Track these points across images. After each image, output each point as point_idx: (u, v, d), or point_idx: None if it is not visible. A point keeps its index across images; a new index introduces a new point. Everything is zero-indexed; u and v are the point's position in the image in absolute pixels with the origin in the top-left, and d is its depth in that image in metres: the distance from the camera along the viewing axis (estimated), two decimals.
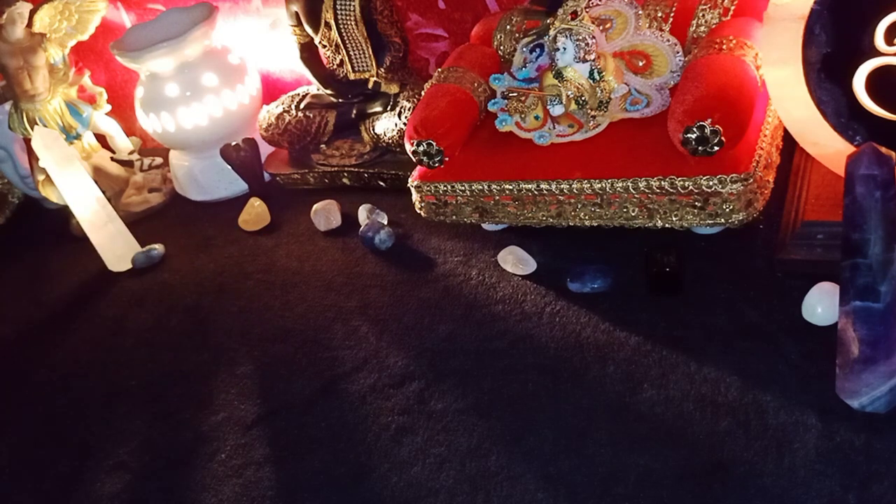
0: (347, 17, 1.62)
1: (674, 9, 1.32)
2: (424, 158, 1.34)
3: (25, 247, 2.00)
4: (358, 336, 1.33)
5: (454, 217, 1.39)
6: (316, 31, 1.68)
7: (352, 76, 1.70)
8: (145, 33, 1.88)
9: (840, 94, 1.06)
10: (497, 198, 1.31)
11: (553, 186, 1.24)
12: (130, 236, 1.76)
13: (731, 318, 1.11)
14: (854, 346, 0.89)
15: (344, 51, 1.67)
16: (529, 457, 1.02)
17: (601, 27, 1.33)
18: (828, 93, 1.07)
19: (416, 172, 1.40)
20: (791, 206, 1.17)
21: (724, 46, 1.18)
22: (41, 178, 1.88)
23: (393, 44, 1.64)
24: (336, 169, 1.72)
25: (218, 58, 1.84)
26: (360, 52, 1.66)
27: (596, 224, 1.25)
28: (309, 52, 1.75)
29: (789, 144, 1.21)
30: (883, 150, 0.84)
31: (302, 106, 1.75)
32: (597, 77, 1.27)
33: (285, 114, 1.76)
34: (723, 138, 1.08)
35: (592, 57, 1.27)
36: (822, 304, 1.05)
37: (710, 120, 1.08)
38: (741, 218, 1.13)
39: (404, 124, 1.59)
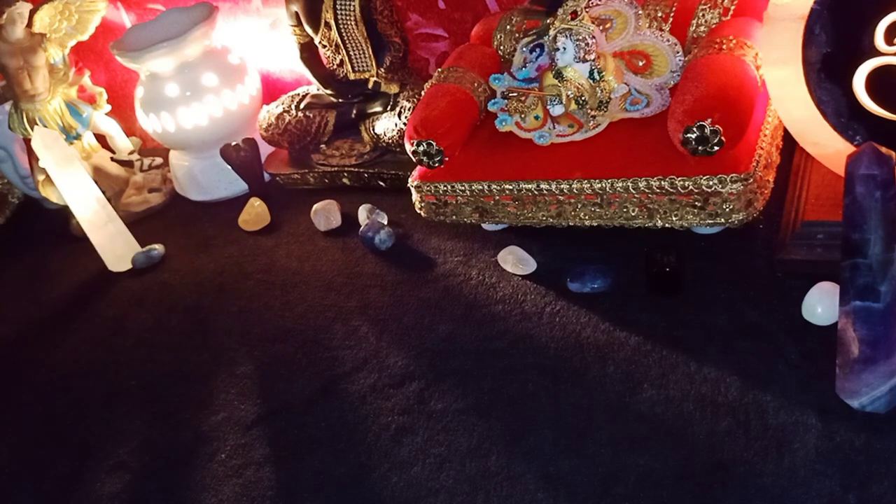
0: (347, 17, 1.62)
1: (674, 9, 1.32)
2: (424, 158, 1.34)
3: (25, 247, 2.00)
4: (358, 336, 1.33)
5: (454, 217, 1.39)
6: (316, 31, 1.68)
7: (352, 76, 1.70)
8: (145, 33, 1.88)
9: (840, 94, 1.06)
10: (497, 198, 1.31)
11: (553, 186, 1.24)
12: (130, 236, 1.76)
13: (731, 318, 1.11)
14: (854, 346, 0.89)
15: (344, 51, 1.67)
16: (529, 457, 1.02)
17: (601, 27, 1.33)
18: (828, 93, 1.07)
19: (416, 172, 1.40)
20: (791, 206, 1.17)
21: (724, 46, 1.18)
22: (41, 178, 1.88)
23: (393, 44, 1.64)
24: (336, 169, 1.72)
25: (218, 58, 1.84)
26: (360, 52, 1.66)
27: (596, 224, 1.25)
28: (309, 52, 1.75)
29: (789, 144, 1.21)
30: (883, 150, 0.84)
31: (302, 106, 1.75)
32: (597, 77, 1.27)
33: (285, 114, 1.76)
34: (723, 138, 1.08)
35: (592, 57, 1.27)
36: (822, 304, 1.05)
37: (710, 120, 1.08)
38: (741, 218, 1.13)
39: (404, 124, 1.59)
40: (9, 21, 1.78)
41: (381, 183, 1.68)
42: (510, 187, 1.28)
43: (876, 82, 1.02)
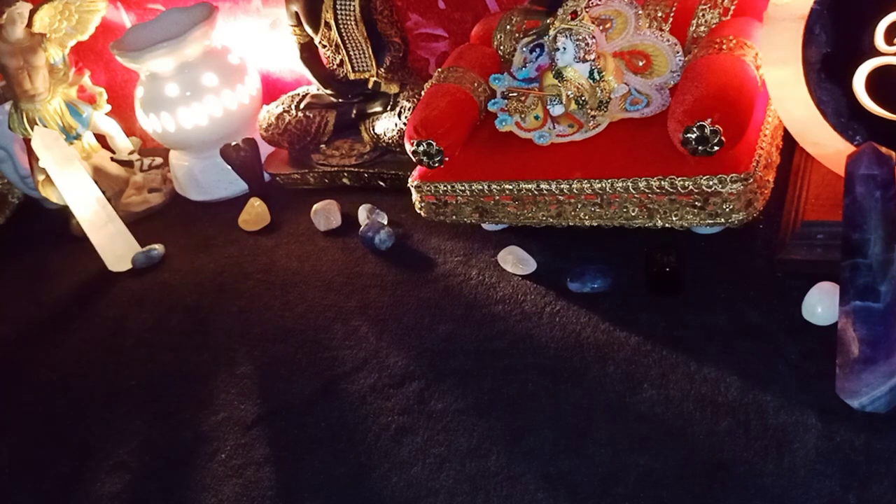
0: (347, 17, 1.62)
1: (674, 9, 1.32)
2: (424, 158, 1.34)
3: (25, 247, 2.00)
4: (358, 336, 1.33)
5: (454, 217, 1.39)
6: (316, 31, 1.68)
7: (352, 76, 1.70)
8: (145, 33, 1.88)
9: (840, 94, 1.06)
10: (497, 198, 1.31)
11: (553, 186, 1.24)
12: (130, 236, 1.76)
13: (731, 318, 1.11)
14: (854, 346, 0.89)
15: (344, 51, 1.67)
16: (529, 457, 1.02)
17: (601, 27, 1.33)
18: (828, 93, 1.07)
19: (416, 172, 1.40)
20: (791, 206, 1.17)
21: (724, 46, 1.18)
22: (41, 178, 1.88)
23: (393, 44, 1.64)
24: (336, 169, 1.72)
25: (218, 58, 1.84)
26: (360, 52, 1.66)
27: (596, 224, 1.25)
28: (309, 52, 1.75)
29: (789, 144, 1.21)
30: (883, 150, 0.84)
31: (302, 106, 1.75)
32: (597, 77, 1.27)
33: (285, 114, 1.76)
34: (723, 138, 1.08)
35: (592, 57, 1.27)
36: (822, 304, 1.05)
37: (710, 120, 1.08)
38: (741, 218, 1.13)
39: (404, 124, 1.59)
40: (9, 21, 1.78)
41: (381, 183, 1.68)
42: (510, 187, 1.28)
43: (876, 82, 1.02)
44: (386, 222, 1.56)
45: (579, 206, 1.25)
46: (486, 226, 1.44)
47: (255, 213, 1.74)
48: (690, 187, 1.13)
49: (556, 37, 1.28)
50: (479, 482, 1.01)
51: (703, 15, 1.29)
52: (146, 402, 1.36)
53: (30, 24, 1.84)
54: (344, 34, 1.64)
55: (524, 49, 1.42)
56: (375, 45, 1.65)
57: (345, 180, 1.73)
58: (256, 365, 1.35)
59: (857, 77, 1.02)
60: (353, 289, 1.44)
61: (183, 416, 1.30)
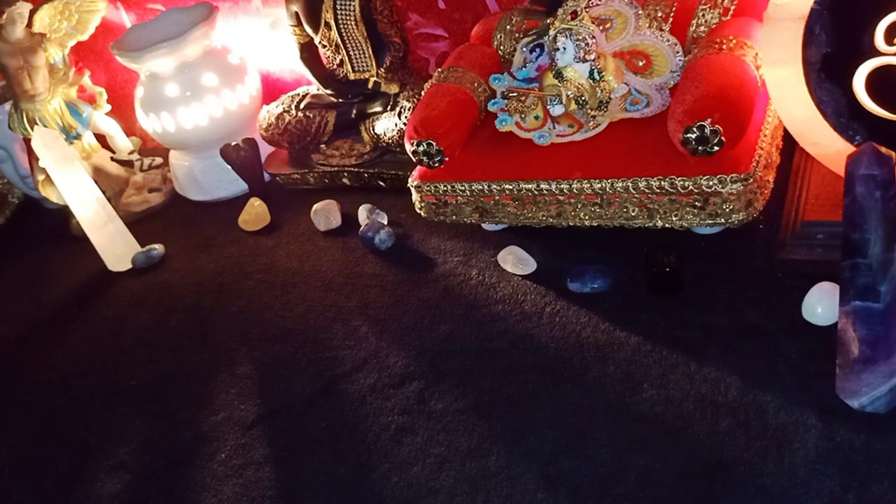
0: (347, 17, 1.62)
1: (674, 9, 1.32)
2: (424, 158, 1.34)
3: (25, 247, 2.00)
4: (358, 336, 1.33)
5: (454, 217, 1.39)
6: (316, 31, 1.68)
7: (352, 76, 1.70)
8: (145, 33, 1.88)
9: (840, 94, 1.06)
10: (497, 198, 1.31)
11: (553, 186, 1.24)
12: (130, 236, 1.76)
13: (731, 318, 1.11)
14: (854, 346, 0.89)
15: (344, 51, 1.67)
16: (529, 457, 1.02)
17: (601, 27, 1.33)
18: (828, 93, 1.07)
19: (416, 172, 1.40)
20: (791, 206, 1.17)
21: (724, 46, 1.18)
22: (41, 178, 1.88)
23: (393, 44, 1.64)
24: (336, 169, 1.72)
25: (218, 58, 1.84)
26: (360, 52, 1.66)
27: (596, 224, 1.25)
28: (309, 52, 1.75)
29: (789, 144, 1.21)
30: (883, 150, 0.84)
31: (302, 106, 1.75)
32: (597, 77, 1.27)
33: (285, 114, 1.76)
34: (723, 138, 1.08)
35: (592, 57, 1.27)
36: (822, 304, 1.05)
37: (710, 120, 1.08)
38: (741, 218, 1.13)
39: (404, 124, 1.59)
40: (9, 21, 1.78)
41: (381, 183, 1.68)
42: (510, 187, 1.28)
43: (876, 82, 1.02)
44: (386, 222, 1.56)
45: (579, 206, 1.25)
46: (486, 226, 1.44)
47: (255, 213, 1.74)
48: (690, 187, 1.13)
49: (556, 37, 1.27)
50: (479, 482, 1.01)
51: (703, 15, 1.29)
52: (146, 402, 1.36)
53: (30, 24, 1.84)
54: (344, 34, 1.64)
55: (524, 49, 1.42)
56: (375, 45, 1.64)
57: (345, 180, 1.73)
58: (256, 365, 1.35)
59: (857, 77, 1.02)
60: (353, 289, 1.44)
61: (183, 416, 1.30)
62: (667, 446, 0.97)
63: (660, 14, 1.33)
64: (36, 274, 1.87)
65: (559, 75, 1.29)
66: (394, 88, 1.67)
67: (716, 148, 1.09)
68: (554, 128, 1.32)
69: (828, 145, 1.09)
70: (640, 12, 1.34)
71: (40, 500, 1.25)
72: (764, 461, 0.92)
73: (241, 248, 1.69)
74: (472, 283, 1.35)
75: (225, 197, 1.89)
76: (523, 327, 1.22)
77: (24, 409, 1.45)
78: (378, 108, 1.68)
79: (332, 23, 1.64)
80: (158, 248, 1.75)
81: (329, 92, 1.73)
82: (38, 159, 1.75)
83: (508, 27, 1.48)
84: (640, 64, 1.31)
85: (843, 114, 1.06)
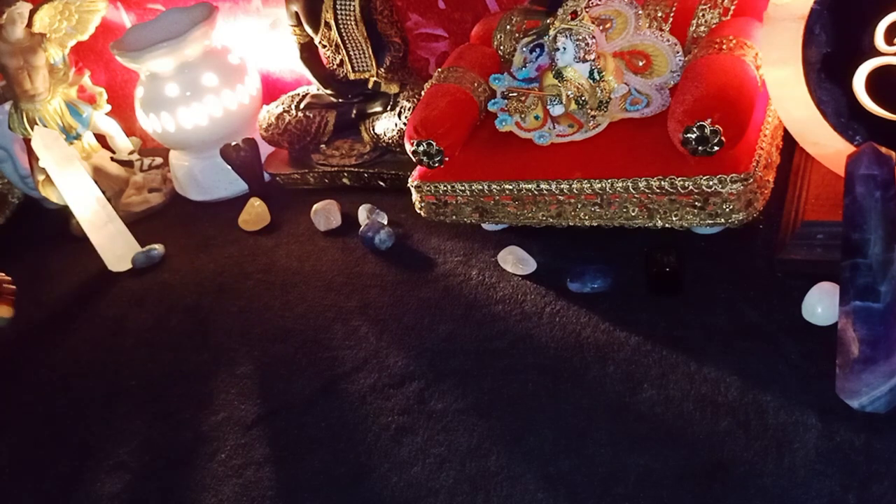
0: (347, 17, 1.62)
1: (674, 9, 1.32)
2: (424, 158, 1.34)
3: (25, 247, 2.00)
4: (358, 336, 1.33)
5: (454, 217, 1.39)
6: (316, 31, 1.68)
7: (352, 76, 1.70)
8: (145, 33, 1.88)
9: (840, 94, 1.06)
10: (497, 198, 1.31)
11: (553, 186, 1.24)
12: (130, 236, 1.76)
13: (731, 318, 1.11)
14: (854, 346, 0.89)
15: (344, 51, 1.67)
16: (529, 457, 1.02)
17: (601, 27, 1.33)
18: (828, 93, 1.07)
19: (416, 172, 1.40)
20: (791, 206, 1.17)
21: (724, 46, 1.18)
22: (41, 178, 1.88)
23: (393, 44, 1.64)
24: (336, 169, 1.72)
25: (218, 58, 1.84)
26: (360, 52, 1.66)
27: (596, 224, 1.25)
28: (309, 52, 1.75)
29: (789, 144, 1.21)
30: (883, 150, 0.84)
31: (302, 106, 1.75)
32: (597, 77, 1.27)
33: (285, 114, 1.76)
34: (723, 138, 1.08)
35: (592, 57, 1.27)
36: (822, 304, 1.05)
37: (710, 120, 1.08)
38: (741, 218, 1.13)
39: (404, 124, 1.59)
40: (9, 21, 1.78)
41: (381, 183, 1.68)
42: (510, 187, 1.28)
43: (876, 82, 1.02)
44: (386, 222, 1.56)
45: (579, 206, 1.25)
46: (486, 226, 1.44)
47: (255, 213, 1.74)
48: (690, 187, 1.13)
49: (556, 37, 1.28)
50: (479, 482, 1.01)
51: (703, 15, 1.29)
52: (146, 402, 1.36)
53: (30, 24, 1.84)
54: (344, 34, 1.64)
55: (524, 49, 1.42)
56: (375, 45, 1.65)
57: (345, 180, 1.73)
58: (256, 365, 1.35)
59: (857, 77, 1.02)
60: (353, 289, 1.44)
61: (183, 416, 1.30)
62: (667, 446, 0.97)
63: (660, 14, 1.33)
64: (36, 274, 1.87)
65: (559, 75, 1.29)
66: (394, 88, 1.67)
67: (716, 148, 1.09)
68: (554, 128, 1.32)
69: (828, 145, 1.09)
70: (640, 12, 1.34)
71: (40, 500, 1.25)
72: (764, 461, 0.92)
73: (241, 248, 1.69)
74: (472, 283, 1.35)
75: (225, 197, 1.89)
76: (523, 327, 1.22)
77: (24, 409, 1.45)
78: (378, 108, 1.68)
79: (332, 23, 1.64)
80: (158, 248, 1.75)
81: (329, 92, 1.73)
82: (38, 159, 1.75)
83: (508, 27, 1.48)
84: (640, 64, 1.31)
85: (843, 114, 1.06)
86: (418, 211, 1.42)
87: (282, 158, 1.84)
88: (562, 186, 1.23)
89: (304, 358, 1.32)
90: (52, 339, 1.61)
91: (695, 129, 1.09)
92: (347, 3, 1.60)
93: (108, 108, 2.03)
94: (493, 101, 1.41)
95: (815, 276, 1.07)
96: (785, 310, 1.09)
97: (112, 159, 2.06)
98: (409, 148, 1.34)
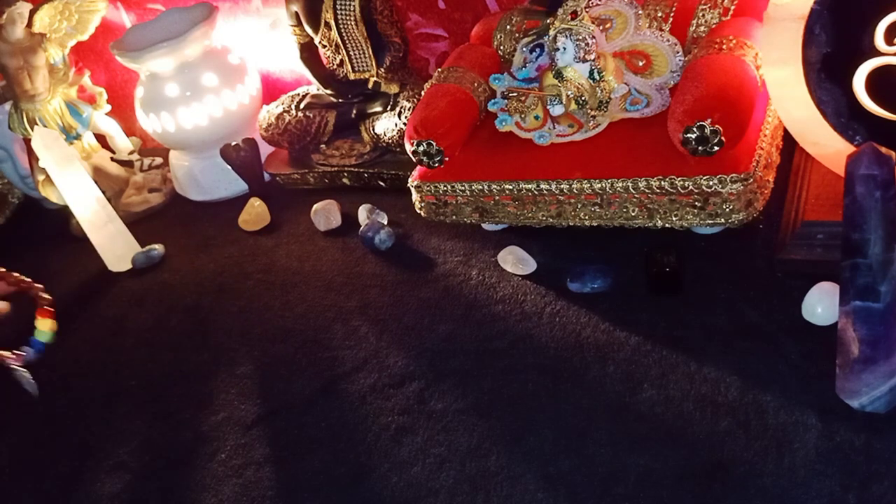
0: (347, 17, 1.62)
1: (674, 9, 1.32)
2: (424, 158, 1.34)
3: (25, 247, 2.00)
4: (358, 336, 1.33)
5: (454, 217, 1.39)
6: (316, 31, 1.68)
7: (352, 76, 1.70)
8: (145, 33, 1.88)
9: (840, 94, 1.06)
10: (497, 198, 1.31)
11: (553, 186, 1.24)
12: (130, 236, 1.76)
13: (731, 318, 1.11)
14: (854, 346, 0.89)
15: (344, 51, 1.67)
16: (529, 457, 1.02)
17: (601, 27, 1.33)
18: (828, 93, 1.07)
19: (416, 172, 1.40)
20: (791, 206, 1.17)
21: (724, 46, 1.18)
22: (41, 178, 1.88)
23: (393, 44, 1.64)
24: (336, 169, 1.72)
25: (218, 58, 1.84)
26: (360, 52, 1.66)
27: (596, 224, 1.25)
28: (309, 52, 1.75)
29: (789, 144, 1.21)
30: (883, 150, 0.84)
31: (302, 106, 1.75)
32: (597, 77, 1.27)
33: (285, 114, 1.76)
34: (723, 138, 1.08)
35: (592, 57, 1.27)
36: (822, 304, 1.05)
37: (710, 120, 1.08)
38: (741, 218, 1.13)
39: (404, 124, 1.59)
40: (9, 21, 1.78)
41: (381, 183, 1.68)
42: (510, 187, 1.28)
43: (876, 82, 1.02)
44: (386, 222, 1.56)
45: (579, 206, 1.25)
46: (486, 226, 1.44)
47: (255, 213, 1.74)
48: (690, 187, 1.13)
49: (556, 37, 1.27)
50: (479, 482, 1.01)
51: (703, 15, 1.29)
52: (146, 402, 1.36)
53: (30, 24, 1.84)
54: (344, 34, 1.64)
55: (524, 49, 1.42)
56: (375, 45, 1.65)
57: (345, 180, 1.73)
58: (256, 365, 1.35)
59: (857, 77, 1.02)
60: (353, 289, 1.44)
61: (183, 416, 1.30)
62: (667, 446, 0.97)
63: (660, 14, 1.33)
64: (36, 274, 1.86)
65: (559, 75, 1.29)
66: (394, 88, 1.67)
67: (716, 148, 1.09)
68: (554, 128, 1.32)
69: (828, 145, 1.09)
70: (640, 12, 1.34)
71: (40, 500, 1.25)
72: (764, 461, 0.92)
73: (241, 248, 1.69)
74: (472, 283, 1.35)
75: (225, 197, 1.89)
76: (523, 327, 1.22)
77: (24, 409, 1.45)
78: (378, 108, 1.68)
79: (332, 23, 1.64)
80: (158, 248, 1.75)
81: (329, 92, 1.73)
82: (38, 159, 1.75)
83: (508, 27, 1.48)
84: (640, 64, 1.31)
85: (843, 114, 1.06)
86: (418, 211, 1.42)
87: (282, 158, 1.84)
88: (562, 186, 1.23)
89: (304, 358, 1.32)
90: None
91: (695, 129, 1.09)
92: (347, 3, 1.60)
93: (108, 108, 2.03)
94: (493, 101, 1.41)
95: (815, 276, 1.07)
96: (785, 310, 1.09)
97: (112, 159, 2.06)
98: (409, 148, 1.34)
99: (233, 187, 1.87)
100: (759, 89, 1.17)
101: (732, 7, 1.28)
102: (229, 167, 1.82)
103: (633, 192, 1.18)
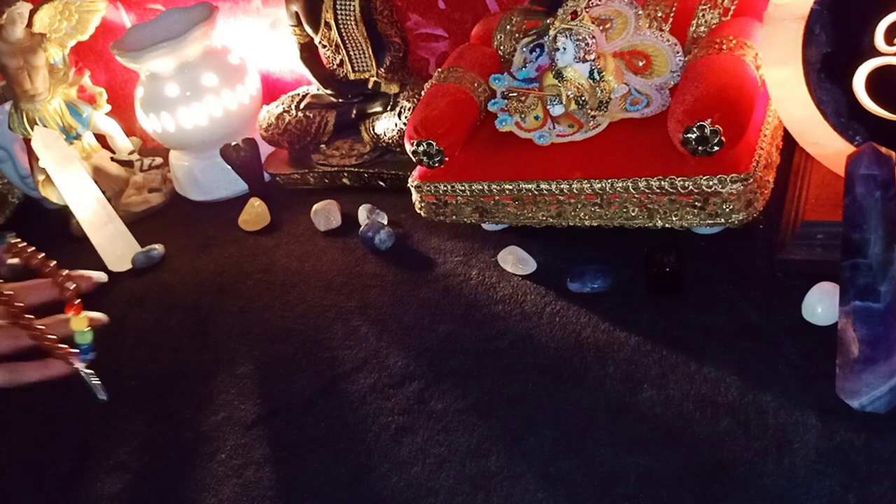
0: (347, 17, 1.62)
1: (674, 9, 1.32)
2: (424, 158, 1.34)
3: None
4: (358, 336, 1.33)
5: (454, 217, 1.39)
6: (316, 31, 1.68)
7: (352, 76, 1.70)
8: (145, 33, 1.88)
9: (840, 94, 1.06)
10: (497, 198, 1.31)
11: (553, 186, 1.24)
12: (130, 236, 1.76)
13: (731, 318, 1.11)
14: (854, 346, 0.89)
15: (344, 51, 1.67)
16: (529, 457, 1.02)
17: (601, 27, 1.33)
18: (828, 93, 1.07)
19: (416, 172, 1.40)
20: (791, 206, 1.17)
21: (724, 46, 1.18)
22: (41, 178, 1.88)
23: (393, 44, 1.64)
24: (336, 169, 1.72)
25: (218, 58, 1.84)
26: (360, 52, 1.66)
27: (596, 224, 1.25)
28: (309, 52, 1.75)
29: (789, 144, 1.21)
30: (883, 150, 0.84)
31: (302, 106, 1.75)
32: (597, 77, 1.27)
33: (285, 114, 1.76)
34: (723, 138, 1.08)
35: (592, 57, 1.27)
36: (822, 304, 1.04)
37: (710, 120, 1.08)
38: (741, 218, 1.13)
39: (404, 124, 1.59)
40: (9, 21, 1.78)
41: (381, 183, 1.68)
42: (510, 187, 1.28)
43: (876, 82, 1.02)
44: (386, 222, 1.56)
45: (579, 206, 1.25)
46: (486, 226, 1.44)
47: (255, 213, 1.74)
48: (690, 187, 1.13)
49: (556, 37, 1.28)
50: (479, 482, 1.01)
51: (703, 15, 1.29)
52: (146, 402, 1.36)
53: (30, 24, 1.83)
54: (344, 34, 1.64)
55: (524, 49, 1.42)
56: (375, 45, 1.65)
57: (345, 180, 1.73)
58: (256, 365, 1.35)
59: (857, 77, 1.02)
60: (353, 289, 1.44)
61: (183, 416, 1.30)
62: (667, 446, 0.97)
63: (660, 14, 1.33)
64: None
65: (559, 75, 1.29)
66: (394, 88, 1.67)
67: (716, 148, 1.09)
68: (554, 128, 1.32)
69: (828, 145, 1.09)
70: (640, 12, 1.34)
71: (40, 500, 1.25)
72: (764, 461, 0.92)
73: (241, 248, 1.69)
74: (472, 283, 1.35)
75: (225, 197, 1.89)
76: (523, 327, 1.22)
77: (24, 409, 1.45)
78: (378, 108, 1.68)
79: (332, 23, 1.64)
80: (158, 248, 1.75)
81: (329, 92, 1.73)
82: (38, 159, 1.75)
83: (508, 27, 1.48)
84: (640, 64, 1.31)
85: (843, 114, 1.06)
86: (418, 211, 1.42)
87: (282, 158, 1.84)
88: (562, 186, 1.23)
89: (304, 358, 1.32)
90: None
91: (695, 129, 1.09)
92: (347, 3, 1.60)
93: (108, 108, 2.03)
94: (493, 101, 1.41)
95: (815, 276, 1.07)
96: (785, 310, 1.09)
97: (112, 159, 2.06)
98: (409, 148, 1.34)
99: (233, 187, 1.87)
100: (759, 89, 1.17)
101: (732, 7, 1.28)
102: (229, 167, 1.82)
103: (633, 192, 1.18)
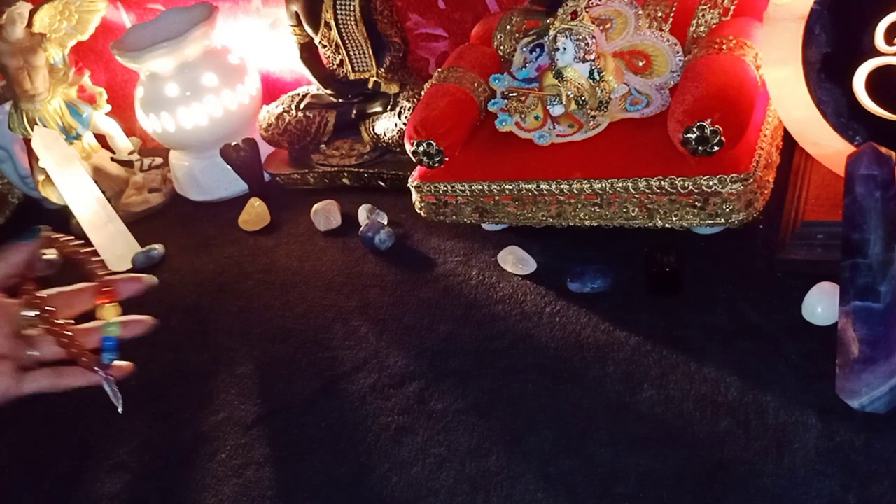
0: (347, 17, 1.62)
1: (674, 9, 1.32)
2: (424, 158, 1.34)
3: None
4: (358, 336, 1.33)
5: (454, 217, 1.39)
6: (316, 31, 1.68)
7: (352, 76, 1.70)
8: (145, 33, 1.88)
9: (840, 94, 1.06)
10: (497, 198, 1.31)
11: (553, 186, 1.24)
12: (130, 236, 1.76)
13: (731, 318, 1.11)
14: (854, 346, 0.89)
15: (344, 51, 1.67)
16: (529, 457, 1.02)
17: (601, 27, 1.33)
18: (828, 93, 1.07)
19: (416, 172, 1.40)
20: (791, 206, 1.17)
21: (724, 46, 1.18)
22: (41, 178, 1.88)
23: (393, 44, 1.64)
24: (336, 169, 1.72)
25: (218, 58, 1.84)
26: (360, 52, 1.66)
27: (596, 224, 1.25)
28: (309, 52, 1.75)
29: (789, 144, 1.21)
30: (883, 150, 0.84)
31: (302, 106, 1.75)
32: (597, 77, 1.27)
33: (285, 114, 1.76)
34: (723, 138, 1.08)
35: (592, 57, 1.27)
36: (822, 304, 1.04)
37: (710, 120, 1.08)
38: (741, 218, 1.13)
39: (404, 124, 1.59)
40: (9, 21, 1.78)
41: (381, 183, 1.68)
42: (510, 187, 1.28)
43: (876, 82, 1.02)
44: (386, 222, 1.56)
45: (579, 206, 1.25)
46: (486, 226, 1.44)
47: (255, 213, 1.74)
48: (690, 187, 1.13)
49: (556, 37, 1.28)
50: (479, 482, 1.01)
51: (703, 15, 1.29)
52: (146, 402, 1.36)
53: (30, 24, 1.84)
54: (344, 34, 1.64)
55: (524, 49, 1.42)
56: (375, 45, 1.65)
57: (345, 180, 1.73)
58: (256, 365, 1.35)
59: (857, 77, 1.02)
60: (353, 289, 1.44)
61: (183, 416, 1.30)
62: (667, 446, 0.97)
63: (660, 14, 1.33)
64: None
65: (559, 75, 1.29)
66: (394, 88, 1.67)
67: (716, 148, 1.09)
68: (554, 128, 1.32)
69: (828, 145, 1.09)
70: (640, 12, 1.34)
71: (40, 500, 1.25)
72: (764, 461, 0.92)
73: (241, 248, 1.69)
74: (472, 283, 1.35)
75: (225, 197, 1.89)
76: (523, 327, 1.22)
77: (24, 409, 1.45)
78: (378, 108, 1.68)
79: (332, 23, 1.64)
80: (158, 248, 1.75)
81: (329, 92, 1.73)
82: (38, 159, 1.75)
83: (508, 27, 1.48)
84: (640, 64, 1.31)
85: (843, 114, 1.06)
86: (418, 211, 1.42)
87: (282, 158, 1.84)
88: (562, 186, 1.23)
89: (304, 358, 1.32)
90: None
91: (695, 129, 1.09)
92: (347, 3, 1.60)
93: (108, 108, 2.03)
94: (493, 101, 1.41)
95: (815, 276, 1.07)
96: (785, 310, 1.09)
97: (112, 159, 2.06)
98: (409, 148, 1.34)
99: (233, 187, 1.87)
100: (759, 89, 1.17)
101: (732, 7, 1.28)
102: (229, 167, 1.82)
103: (633, 192, 1.18)
